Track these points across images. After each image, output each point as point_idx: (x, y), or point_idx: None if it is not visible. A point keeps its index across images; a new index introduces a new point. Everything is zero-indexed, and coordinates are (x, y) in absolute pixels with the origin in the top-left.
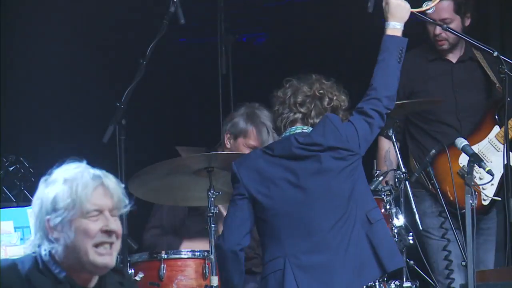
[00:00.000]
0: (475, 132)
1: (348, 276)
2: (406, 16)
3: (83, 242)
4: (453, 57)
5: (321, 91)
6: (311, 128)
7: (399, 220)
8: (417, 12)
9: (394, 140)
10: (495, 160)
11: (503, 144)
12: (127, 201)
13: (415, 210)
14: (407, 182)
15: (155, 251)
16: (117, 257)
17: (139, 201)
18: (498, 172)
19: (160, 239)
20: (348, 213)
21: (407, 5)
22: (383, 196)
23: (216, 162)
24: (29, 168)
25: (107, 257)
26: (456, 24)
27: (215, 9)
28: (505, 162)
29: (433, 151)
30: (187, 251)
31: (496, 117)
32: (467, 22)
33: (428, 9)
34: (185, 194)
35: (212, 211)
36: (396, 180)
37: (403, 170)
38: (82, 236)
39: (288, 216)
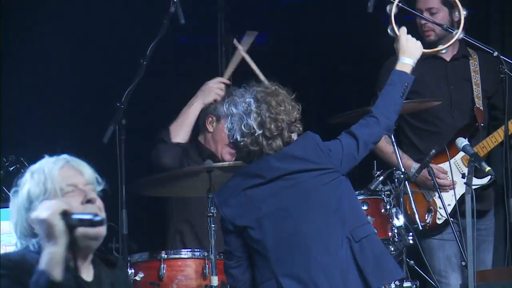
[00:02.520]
0: (443, 152)
1: None
2: (417, 53)
3: None
4: (446, 55)
5: (271, 116)
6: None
7: (399, 220)
8: (429, 52)
9: (393, 140)
10: (459, 181)
11: (504, 146)
12: (99, 179)
13: (415, 210)
14: (407, 182)
15: (155, 251)
16: (117, 256)
17: (139, 201)
18: (457, 194)
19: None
20: (334, 232)
21: (418, 43)
22: (383, 196)
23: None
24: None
25: (98, 226)
26: (442, 16)
27: (215, 9)
28: (505, 161)
29: (433, 151)
30: (187, 251)
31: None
32: (457, 17)
33: (442, 49)
34: (185, 194)
35: (212, 211)
36: (396, 180)
37: (403, 170)
38: None
39: (274, 238)
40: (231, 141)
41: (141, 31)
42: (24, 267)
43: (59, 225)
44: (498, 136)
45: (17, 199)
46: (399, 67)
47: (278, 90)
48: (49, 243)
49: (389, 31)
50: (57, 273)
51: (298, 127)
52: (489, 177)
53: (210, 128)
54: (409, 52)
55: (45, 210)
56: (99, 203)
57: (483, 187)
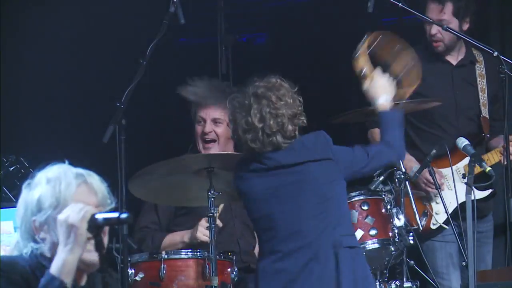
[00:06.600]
0: (445, 157)
1: None
2: (392, 89)
3: None
4: (453, 60)
5: (271, 112)
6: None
7: (400, 220)
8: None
9: None
10: (459, 188)
11: (504, 146)
12: (111, 199)
13: (415, 210)
14: (407, 182)
15: (155, 251)
16: (117, 257)
17: (139, 201)
18: (455, 202)
19: (148, 235)
20: (320, 217)
21: (390, 80)
22: (383, 196)
23: (216, 162)
24: (29, 168)
25: (94, 253)
26: (453, 27)
27: (215, 9)
28: (505, 162)
29: (434, 151)
30: (187, 251)
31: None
32: (465, 26)
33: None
34: (185, 194)
35: (212, 211)
36: (396, 180)
37: (403, 170)
38: None
39: (265, 221)
40: (234, 137)
41: (141, 31)
42: (16, 268)
43: (84, 234)
44: (496, 156)
45: (27, 199)
46: (382, 108)
47: (280, 83)
48: (66, 248)
49: (361, 71)
50: (68, 281)
51: (302, 119)
52: (490, 190)
53: None
54: (387, 90)
55: (75, 215)
56: (104, 229)
57: (483, 199)
